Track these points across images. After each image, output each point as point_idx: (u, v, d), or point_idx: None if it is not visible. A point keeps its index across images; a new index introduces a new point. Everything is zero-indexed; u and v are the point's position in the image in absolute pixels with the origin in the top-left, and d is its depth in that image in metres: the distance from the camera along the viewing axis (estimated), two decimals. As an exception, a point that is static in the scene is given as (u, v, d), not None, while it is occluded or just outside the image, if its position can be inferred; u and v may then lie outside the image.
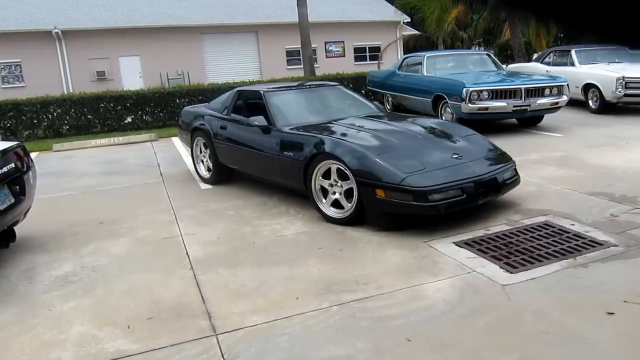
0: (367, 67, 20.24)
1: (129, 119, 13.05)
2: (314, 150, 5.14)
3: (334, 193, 5.05)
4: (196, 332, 3.20)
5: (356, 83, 14.24)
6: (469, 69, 10.37)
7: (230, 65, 24.67)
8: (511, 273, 3.73)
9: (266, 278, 3.92)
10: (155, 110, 13.19)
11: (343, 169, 4.87)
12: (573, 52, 12.17)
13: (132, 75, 23.42)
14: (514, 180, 5.21)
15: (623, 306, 3.13)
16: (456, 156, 5.01)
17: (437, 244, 4.36)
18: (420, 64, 10.47)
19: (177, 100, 13.19)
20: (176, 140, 10.97)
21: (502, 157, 5.35)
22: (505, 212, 5.05)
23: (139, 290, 3.85)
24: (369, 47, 27.61)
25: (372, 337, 3.00)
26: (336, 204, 5.06)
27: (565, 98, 9.17)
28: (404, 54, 21.63)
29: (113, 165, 8.95)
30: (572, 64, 11.95)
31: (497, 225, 4.72)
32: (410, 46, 27.82)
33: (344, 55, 27.35)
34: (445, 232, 4.61)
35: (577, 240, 4.25)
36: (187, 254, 4.55)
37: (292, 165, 5.37)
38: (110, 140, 11.53)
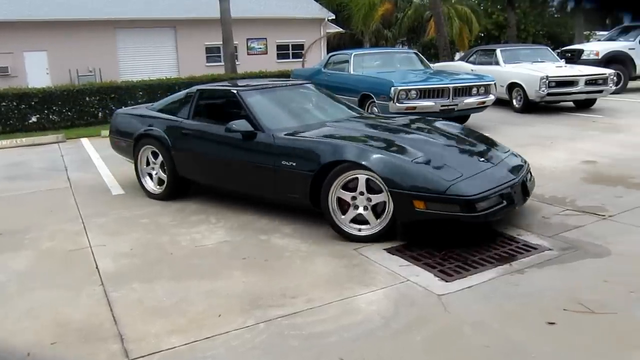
0: (291, 65, 20.10)
1: (33, 119, 12.26)
2: (330, 159, 4.48)
3: (357, 207, 4.43)
4: (106, 357, 2.89)
5: (280, 81, 13.97)
6: (396, 68, 10.39)
7: (145, 62, 23.90)
8: (446, 282, 3.62)
9: (185, 293, 3.65)
10: (63, 110, 12.46)
11: (374, 179, 4.30)
12: (498, 51, 12.48)
13: (38, 71, 22.26)
14: (533, 181, 5.03)
15: (563, 315, 3.08)
16: (483, 160, 4.69)
17: (368, 251, 4.21)
18: (347, 62, 10.37)
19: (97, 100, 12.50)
20: (85, 142, 10.39)
21: (518, 158, 5.12)
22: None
23: (41, 311, 3.49)
24: (292, 45, 27.50)
25: (303, 358, 2.80)
26: (354, 219, 4.48)
27: (492, 97, 9.34)
28: (328, 52, 21.65)
29: (15, 169, 8.31)
30: (497, 63, 12.24)
31: (430, 230, 4.64)
32: (335, 44, 27.91)
33: (267, 53, 27.11)
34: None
35: (511, 245, 4.21)
36: (97, 267, 4.20)
37: (295, 177, 4.70)
38: (12, 142, 10.76)
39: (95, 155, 8.83)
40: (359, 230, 4.44)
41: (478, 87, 9.18)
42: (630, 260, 3.85)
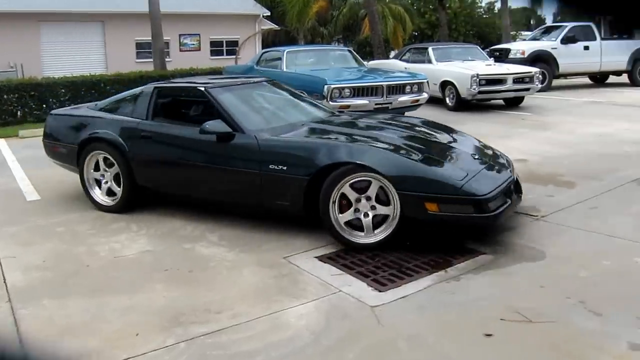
0: (225, 62, 19.64)
1: (-56, 118, 11.41)
2: (329, 161, 4.09)
3: (357, 210, 4.08)
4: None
5: (213, 79, 13.55)
6: (330, 65, 10.21)
7: (71, 58, 22.77)
8: (380, 291, 3.43)
9: (101, 309, 3.34)
10: (-22, 108, 11.64)
11: (384, 185, 3.96)
12: (430, 49, 12.53)
13: (-47, 66, 20.83)
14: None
15: (501, 326, 2.94)
16: (478, 158, 4.52)
17: (298, 260, 3.99)
18: (280, 59, 10.12)
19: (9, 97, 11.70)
20: (1, 143, 9.70)
21: (501, 154, 4.97)
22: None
23: None
24: (226, 41, 26.95)
25: (225, 384, 2.55)
26: (352, 225, 4.13)
27: (425, 95, 9.30)
28: (263, 49, 21.31)
29: None
30: (430, 62, 12.28)
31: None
32: (270, 41, 27.58)
33: (200, 49, 26.45)
34: (306, 244, 4.26)
35: (447, 249, 4.08)
36: (4, 281, 3.81)
37: (286, 182, 4.27)
38: None
39: (11, 158, 8.22)
40: (362, 237, 4.10)
41: (411, 85, 9.12)
42: (565, 263, 3.79)
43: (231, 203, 4.84)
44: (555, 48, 15.50)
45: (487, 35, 34.79)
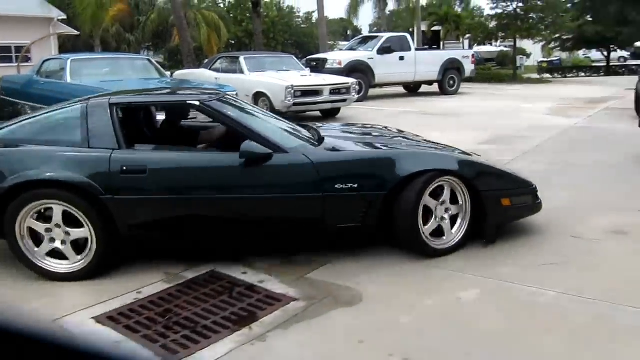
0: (14, 71, 17.60)
1: None
2: (411, 170, 3.92)
3: (436, 218, 4.06)
4: None
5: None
6: (127, 76, 9.22)
7: None
8: (169, 364, 2.74)
9: None
10: None
11: (459, 185, 4.10)
12: (242, 59, 12.03)
13: None
14: None
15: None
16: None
17: (72, 320, 3.22)
18: (63, 68, 8.93)
19: None
20: None
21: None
22: (164, 263, 4.04)
23: None
24: (15, 47, 24.27)
25: None
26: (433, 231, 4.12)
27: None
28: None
29: None
30: (242, 72, 11.79)
31: (153, 284, 3.70)
32: (70, 47, 25.50)
33: (-16, 55, 23.53)
34: (83, 298, 3.52)
35: (251, 297, 3.48)
36: None
37: (356, 201, 3.89)
38: None
39: None
40: (441, 243, 4.10)
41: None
42: (384, 307, 3.36)
43: (268, 234, 4.16)
44: (372, 58, 15.91)
45: (306, 45, 35.53)
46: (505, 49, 36.17)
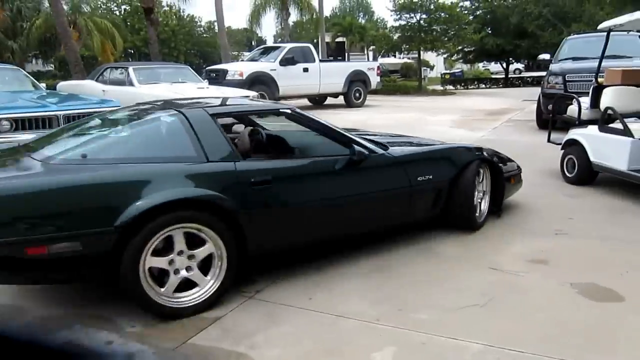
0: None
1: None
2: (468, 159, 4.78)
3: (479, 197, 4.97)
4: None
5: None
6: (-6, 88, 8.16)
7: None
8: None
9: None
10: None
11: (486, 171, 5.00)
12: (131, 69, 11.08)
13: None
14: None
15: None
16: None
17: None
18: None
19: None
20: None
21: None
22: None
23: None
24: None
25: None
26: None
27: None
28: None
29: None
30: (131, 84, 10.85)
31: None
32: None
33: None
34: None
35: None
36: None
37: (432, 190, 4.58)
38: None
39: None
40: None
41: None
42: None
43: (371, 230, 4.47)
44: (275, 69, 15.39)
45: (210, 55, 34.70)
46: (409, 61, 36.82)
